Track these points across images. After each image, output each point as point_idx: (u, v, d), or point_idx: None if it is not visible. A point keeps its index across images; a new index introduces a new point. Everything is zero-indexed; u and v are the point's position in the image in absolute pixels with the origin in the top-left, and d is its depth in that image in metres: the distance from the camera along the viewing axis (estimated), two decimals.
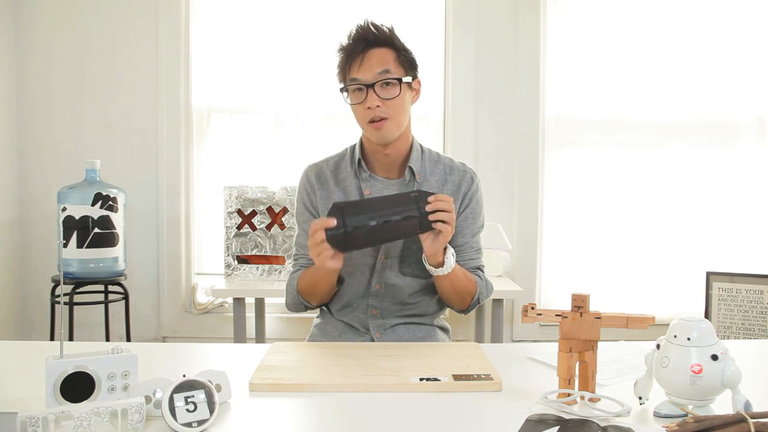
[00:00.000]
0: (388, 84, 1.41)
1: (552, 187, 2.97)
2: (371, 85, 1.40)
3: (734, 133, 2.98)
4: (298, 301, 1.54)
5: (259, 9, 2.92)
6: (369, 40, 1.42)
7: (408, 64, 1.46)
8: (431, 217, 1.29)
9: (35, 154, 2.90)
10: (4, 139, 2.82)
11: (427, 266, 1.40)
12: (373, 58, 1.41)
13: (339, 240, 1.29)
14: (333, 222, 1.28)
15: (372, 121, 1.42)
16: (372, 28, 1.43)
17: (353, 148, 1.56)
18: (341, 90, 1.47)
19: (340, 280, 1.50)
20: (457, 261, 1.53)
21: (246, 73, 2.93)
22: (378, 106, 1.40)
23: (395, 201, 1.31)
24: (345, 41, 1.45)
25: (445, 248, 1.38)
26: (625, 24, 2.93)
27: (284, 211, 2.63)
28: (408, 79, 1.44)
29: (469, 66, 2.91)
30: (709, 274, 2.76)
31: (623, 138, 2.98)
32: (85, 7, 2.88)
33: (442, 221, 1.29)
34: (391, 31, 1.45)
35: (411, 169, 1.50)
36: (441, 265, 1.38)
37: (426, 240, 1.34)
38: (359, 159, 1.52)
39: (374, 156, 1.52)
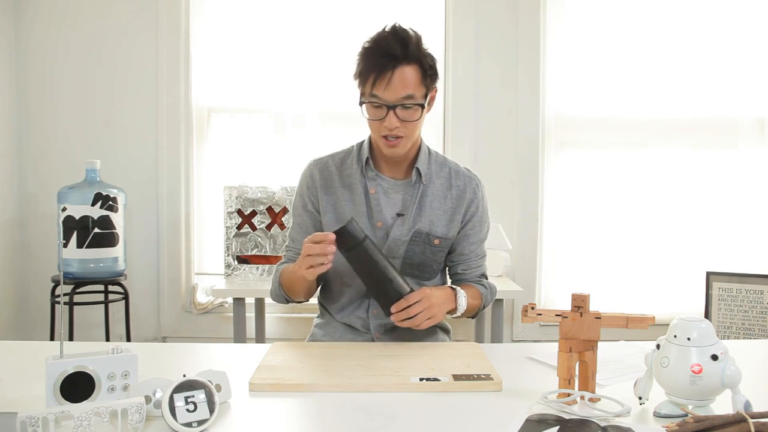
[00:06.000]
0: (408, 108, 1.39)
1: (552, 187, 2.97)
2: (393, 107, 1.38)
3: (734, 134, 2.97)
4: (280, 293, 1.55)
5: (259, 9, 2.91)
6: (398, 58, 1.35)
7: (431, 79, 1.42)
8: (411, 323, 1.34)
9: (35, 154, 2.90)
10: (4, 139, 2.82)
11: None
12: (399, 80, 1.35)
13: (351, 242, 1.28)
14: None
15: (387, 137, 1.41)
16: (398, 45, 1.35)
17: (360, 145, 1.56)
18: (360, 103, 1.42)
19: (319, 280, 1.52)
20: (462, 270, 1.58)
21: (246, 73, 2.93)
22: (396, 127, 1.39)
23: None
24: (368, 44, 1.39)
25: (456, 291, 1.45)
26: (625, 24, 2.93)
27: (284, 211, 2.63)
28: (424, 102, 1.41)
29: (469, 66, 2.91)
30: (709, 274, 2.76)
31: (623, 138, 2.98)
32: (85, 7, 2.88)
33: (427, 318, 1.35)
34: (419, 42, 1.39)
35: (418, 170, 1.51)
36: (455, 311, 1.46)
37: None
38: (367, 158, 1.52)
39: (383, 156, 1.51)
